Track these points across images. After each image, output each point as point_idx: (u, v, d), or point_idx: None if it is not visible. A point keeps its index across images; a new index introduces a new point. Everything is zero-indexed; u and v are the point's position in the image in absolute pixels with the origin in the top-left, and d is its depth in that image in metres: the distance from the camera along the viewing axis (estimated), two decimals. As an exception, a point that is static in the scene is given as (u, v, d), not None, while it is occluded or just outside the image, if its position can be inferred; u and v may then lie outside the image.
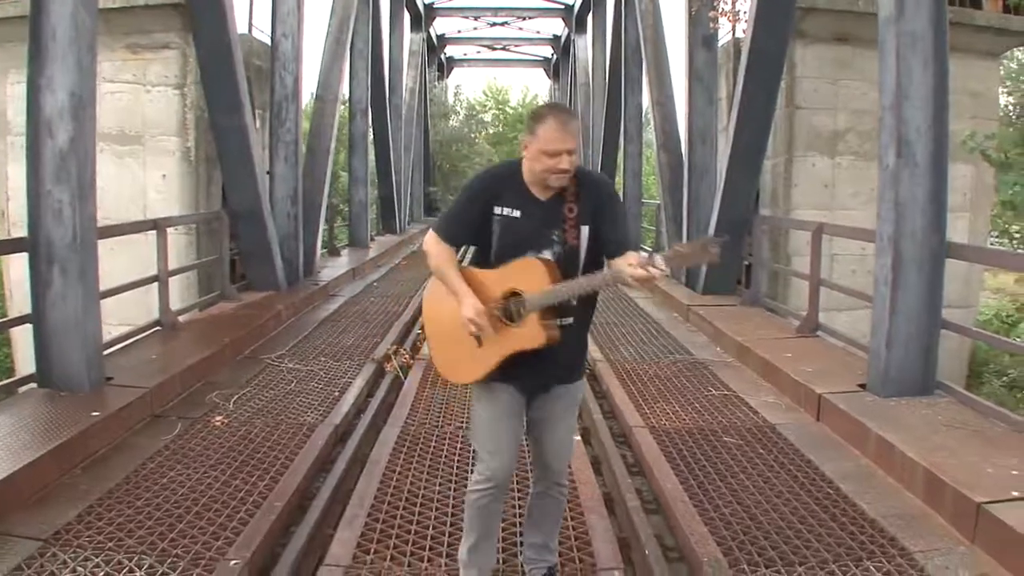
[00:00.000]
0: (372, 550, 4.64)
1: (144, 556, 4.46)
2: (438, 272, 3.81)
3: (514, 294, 3.65)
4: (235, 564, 4.39)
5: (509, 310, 3.66)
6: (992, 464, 5.28)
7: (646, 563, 4.60)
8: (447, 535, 4.82)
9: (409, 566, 4.49)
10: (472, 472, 3.98)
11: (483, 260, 3.81)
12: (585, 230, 3.69)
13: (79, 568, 4.31)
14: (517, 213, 3.71)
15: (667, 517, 5.28)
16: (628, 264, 3.44)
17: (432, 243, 3.81)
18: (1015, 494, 4.82)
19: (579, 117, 3.52)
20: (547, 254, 3.67)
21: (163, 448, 6.12)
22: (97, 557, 4.43)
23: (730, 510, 5.16)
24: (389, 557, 4.57)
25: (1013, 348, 8.88)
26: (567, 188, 3.70)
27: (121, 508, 5.05)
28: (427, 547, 4.70)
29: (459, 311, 3.70)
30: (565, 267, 3.65)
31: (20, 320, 7.03)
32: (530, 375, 3.79)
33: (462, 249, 3.89)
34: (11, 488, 4.97)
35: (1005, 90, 14.84)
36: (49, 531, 4.70)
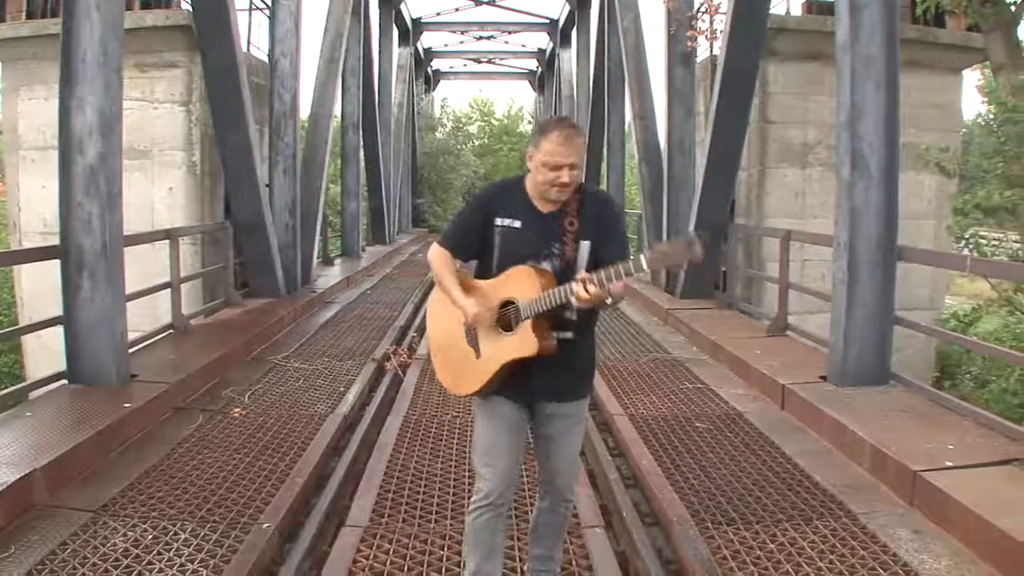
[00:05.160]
0: (386, 514, 5.35)
1: (186, 522, 5.11)
2: (437, 278, 3.89)
3: (509, 303, 3.69)
4: (267, 527, 5.05)
5: (507, 318, 3.69)
6: (931, 441, 5.96)
7: (624, 524, 5.27)
8: (450, 503, 5.50)
9: (419, 526, 5.19)
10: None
11: (485, 271, 3.86)
12: (585, 245, 3.72)
13: (129, 533, 4.93)
14: (518, 224, 3.76)
15: (643, 489, 5.96)
16: (578, 280, 3.43)
17: (435, 251, 3.88)
18: (948, 464, 5.50)
19: (584, 134, 3.67)
20: (546, 265, 3.70)
21: (189, 436, 6.76)
22: (144, 524, 5.06)
23: (698, 481, 5.85)
24: (401, 519, 5.28)
25: (959, 342, 9.58)
26: (569, 203, 3.74)
27: (159, 485, 5.69)
28: (433, 511, 5.40)
29: (459, 320, 3.77)
30: (562, 280, 3.62)
31: (51, 322, 7.59)
32: (530, 388, 3.80)
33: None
34: (62, 467, 5.59)
35: (984, 101, 15.49)
36: (98, 504, 5.33)
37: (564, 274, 3.67)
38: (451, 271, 3.82)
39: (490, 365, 3.74)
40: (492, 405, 3.86)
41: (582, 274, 3.46)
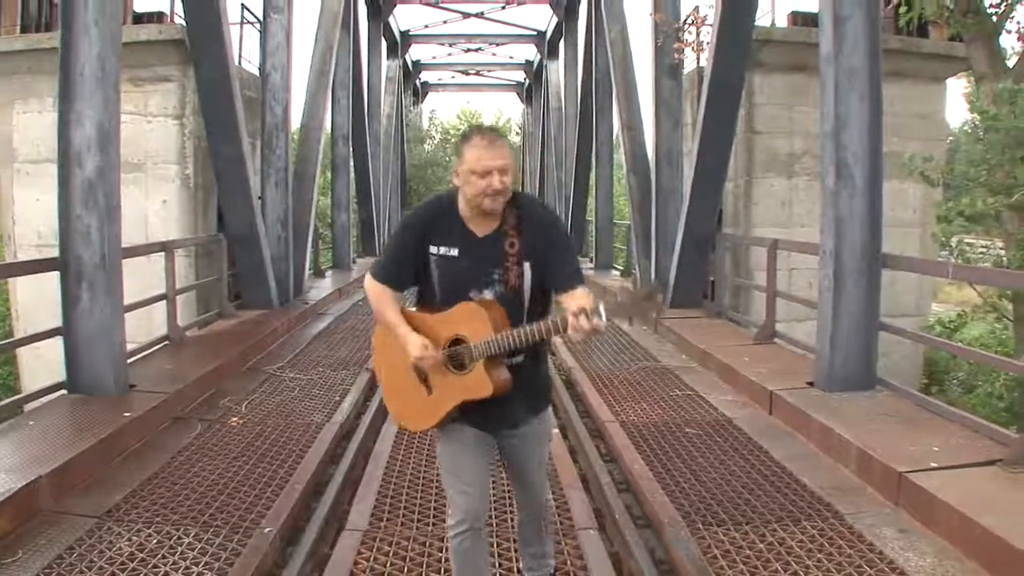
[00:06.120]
0: (384, 518, 5.48)
1: (189, 527, 5.23)
2: (378, 316, 3.72)
3: (459, 340, 3.55)
4: (269, 531, 5.18)
5: (457, 357, 3.57)
6: (916, 443, 6.09)
7: (617, 526, 5.40)
8: (447, 507, 5.59)
9: (417, 529, 5.32)
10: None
11: (428, 301, 3.71)
12: (528, 266, 3.57)
13: (134, 538, 5.05)
14: (455, 252, 3.59)
15: (635, 493, 6.09)
16: (572, 314, 3.28)
17: (370, 286, 3.72)
18: (933, 465, 5.64)
19: (509, 139, 3.60)
20: (488, 294, 3.57)
21: (189, 444, 6.89)
22: (148, 529, 5.18)
23: (689, 485, 5.98)
24: (400, 523, 5.41)
25: (944, 347, 9.70)
26: (507, 220, 3.58)
27: (161, 491, 5.81)
28: (431, 515, 5.55)
29: (405, 355, 3.59)
30: (508, 307, 3.56)
31: (50, 333, 7.69)
32: (486, 418, 3.71)
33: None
34: (66, 475, 5.70)
35: (969, 109, 15.74)
36: (102, 510, 5.45)
37: (509, 300, 3.58)
38: (392, 306, 3.67)
39: (443, 404, 3.64)
40: (453, 430, 3.76)
41: (578, 303, 3.35)
